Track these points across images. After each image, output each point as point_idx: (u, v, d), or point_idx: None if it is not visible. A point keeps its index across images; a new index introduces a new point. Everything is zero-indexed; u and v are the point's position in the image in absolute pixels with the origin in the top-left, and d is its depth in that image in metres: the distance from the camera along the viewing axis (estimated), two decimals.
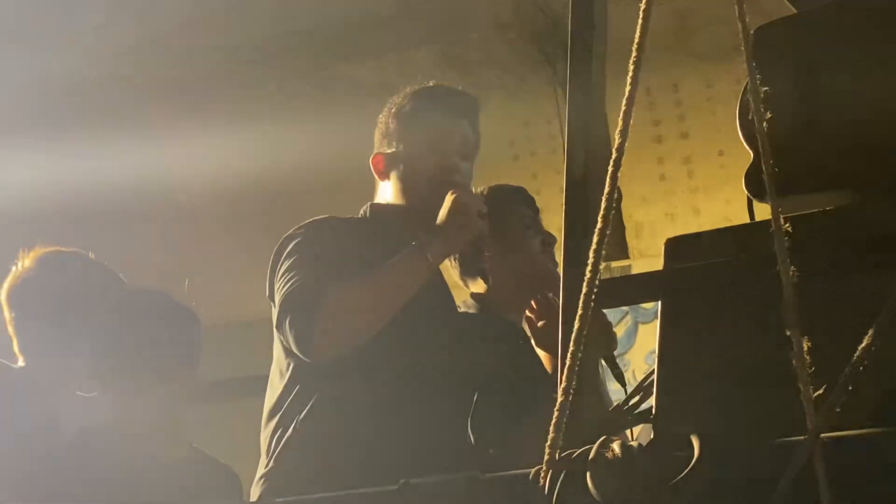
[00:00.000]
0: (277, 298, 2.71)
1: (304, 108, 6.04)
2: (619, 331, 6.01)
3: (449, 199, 2.84)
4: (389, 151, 2.96)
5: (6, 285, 3.01)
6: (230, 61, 5.83)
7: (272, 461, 2.74)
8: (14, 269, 3.02)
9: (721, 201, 5.81)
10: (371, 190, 3.01)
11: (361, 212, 3.00)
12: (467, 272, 3.20)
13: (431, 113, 2.95)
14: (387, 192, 2.97)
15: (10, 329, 2.99)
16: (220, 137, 5.72)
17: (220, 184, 5.79)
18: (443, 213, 2.85)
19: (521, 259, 3.11)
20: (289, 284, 2.70)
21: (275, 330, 2.73)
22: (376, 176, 2.98)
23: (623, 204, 6.08)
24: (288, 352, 2.78)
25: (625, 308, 5.81)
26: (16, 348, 2.98)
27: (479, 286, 3.51)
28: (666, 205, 6.04)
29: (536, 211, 3.31)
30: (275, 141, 5.74)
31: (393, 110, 2.99)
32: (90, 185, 5.75)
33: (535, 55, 5.83)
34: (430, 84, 3.04)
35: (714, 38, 5.48)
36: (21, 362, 2.97)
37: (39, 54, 5.51)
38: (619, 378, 2.79)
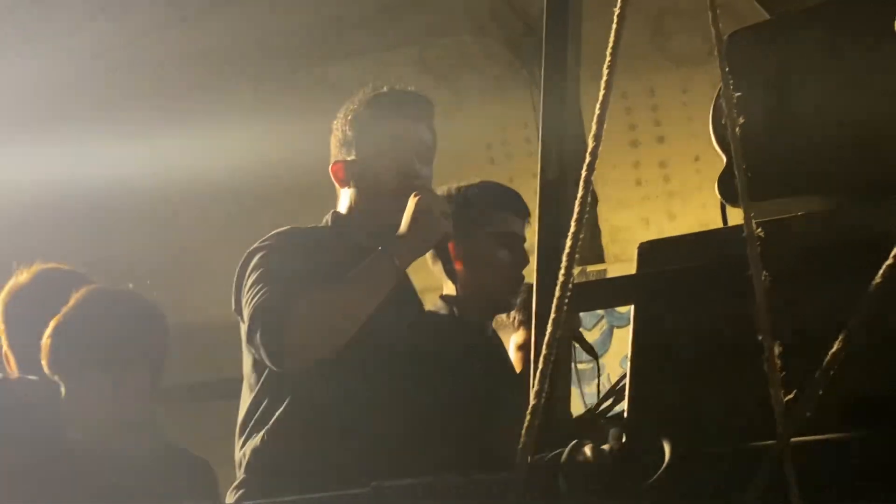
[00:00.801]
0: (246, 312, 2.70)
1: (281, 109, 6.02)
2: (595, 335, 6.01)
3: (412, 202, 2.84)
4: (349, 159, 2.95)
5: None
6: (207, 63, 5.81)
7: (244, 471, 2.74)
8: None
9: (696, 206, 5.82)
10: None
11: (324, 220, 3.00)
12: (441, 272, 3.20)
13: (388, 119, 2.94)
14: (348, 199, 2.97)
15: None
16: (196, 139, 5.70)
17: (198, 185, 5.77)
18: (406, 216, 2.85)
19: (484, 264, 3.10)
20: (257, 298, 2.69)
21: (245, 343, 2.73)
22: (336, 184, 2.97)
23: (599, 208, 6.09)
24: (256, 364, 2.77)
25: (600, 312, 5.81)
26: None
27: (449, 287, 3.50)
28: (642, 209, 6.05)
29: (525, 215, 3.29)
30: (251, 142, 5.73)
31: (349, 117, 2.98)
32: (69, 185, 5.74)
33: (511, 59, 5.84)
34: (384, 89, 3.04)
35: (690, 44, 5.50)
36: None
37: (18, 55, 5.49)
38: (590, 351, 2.80)
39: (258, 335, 2.65)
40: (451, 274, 3.11)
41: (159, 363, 2.96)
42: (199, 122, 5.70)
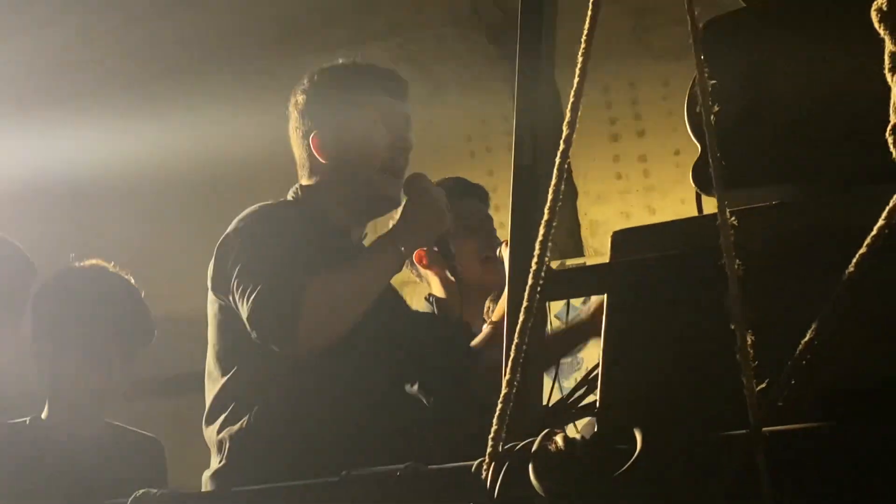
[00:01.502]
0: (250, 297, 2.63)
1: (262, 101, 6.01)
2: None
3: (420, 193, 2.83)
4: (329, 132, 2.90)
5: None
6: (185, 54, 5.78)
7: (225, 458, 2.71)
8: None
9: (676, 200, 5.82)
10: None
11: (292, 194, 2.94)
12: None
13: (374, 93, 2.90)
14: (320, 174, 2.91)
15: None
16: (173, 128, 5.67)
17: (175, 173, 5.75)
18: (414, 205, 2.83)
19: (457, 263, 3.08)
20: (261, 282, 2.64)
21: (249, 328, 2.66)
22: (317, 155, 2.90)
23: (578, 202, 6.09)
24: (233, 348, 2.74)
25: (578, 307, 5.80)
26: None
27: (436, 287, 3.51)
28: (622, 203, 6.04)
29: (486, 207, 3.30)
30: (228, 133, 5.70)
31: (329, 86, 2.92)
32: (45, 174, 5.71)
33: (491, 51, 5.82)
34: (366, 63, 2.99)
35: (671, 37, 5.49)
36: None
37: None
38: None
39: (268, 321, 2.61)
40: (452, 269, 3.06)
41: (132, 338, 2.93)
42: (178, 113, 5.68)
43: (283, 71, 5.98)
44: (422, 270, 3.57)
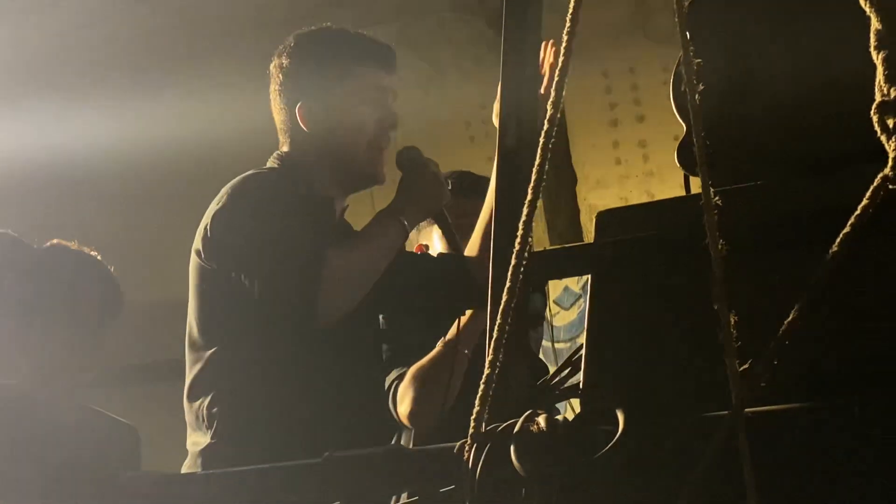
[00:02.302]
0: (264, 270, 2.64)
1: (262, 85, 5.99)
2: (573, 314, 5.99)
3: (416, 165, 2.82)
4: (321, 104, 2.87)
5: None
6: (184, 37, 5.77)
7: (214, 435, 2.70)
8: None
9: (676, 186, 5.76)
10: None
11: (276, 161, 2.90)
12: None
13: (364, 65, 2.88)
14: (305, 144, 2.88)
15: None
16: (171, 113, 5.66)
17: (172, 160, 5.73)
18: (411, 178, 2.83)
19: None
20: (277, 255, 2.64)
21: (264, 300, 2.65)
22: (302, 124, 2.87)
23: (578, 187, 6.08)
24: (220, 318, 2.72)
25: (577, 291, 5.80)
26: None
27: None
28: (621, 189, 6.03)
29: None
30: (225, 117, 5.68)
31: (316, 57, 2.88)
32: (42, 159, 5.70)
33: (491, 36, 5.81)
34: (356, 31, 2.96)
35: (671, 22, 5.45)
36: None
37: None
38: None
39: (288, 295, 2.61)
40: (452, 243, 3.04)
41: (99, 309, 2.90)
42: (180, 97, 5.66)
43: None
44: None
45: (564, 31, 1.69)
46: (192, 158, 5.60)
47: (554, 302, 5.76)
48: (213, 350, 2.72)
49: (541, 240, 5.47)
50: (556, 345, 4.99)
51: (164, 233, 5.19)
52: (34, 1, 5.45)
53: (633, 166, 6.01)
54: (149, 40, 5.76)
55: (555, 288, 5.76)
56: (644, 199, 5.98)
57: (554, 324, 5.38)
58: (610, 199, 6.03)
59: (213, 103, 5.63)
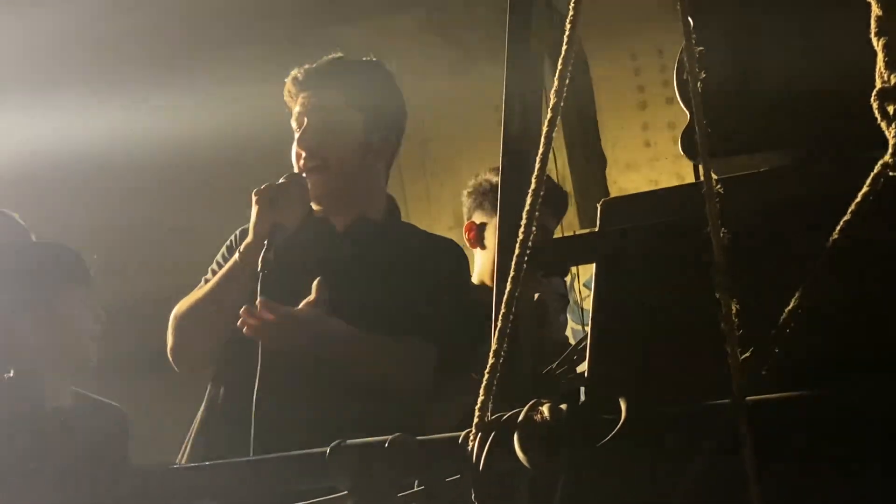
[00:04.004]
0: None
1: (285, 73, 6.01)
2: (586, 305, 5.98)
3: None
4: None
5: None
6: (212, 21, 5.78)
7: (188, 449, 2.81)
8: None
9: None
10: None
11: None
12: None
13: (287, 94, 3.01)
14: None
15: None
16: (198, 99, 5.67)
17: (198, 149, 5.75)
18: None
19: None
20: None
21: None
22: None
23: (607, 170, 6.06)
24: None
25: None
26: None
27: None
28: (650, 171, 6.00)
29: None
30: (256, 104, 5.70)
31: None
32: (59, 154, 5.73)
33: None
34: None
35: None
36: None
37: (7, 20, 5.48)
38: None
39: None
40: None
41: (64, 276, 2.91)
42: (199, 86, 5.68)
43: (310, 43, 5.98)
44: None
45: (567, 20, 1.69)
46: (200, 153, 5.63)
47: (584, 285, 5.74)
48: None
49: (571, 223, 5.46)
50: (587, 328, 4.98)
51: (173, 227, 5.22)
52: None
53: (663, 148, 5.99)
54: (156, 36, 5.78)
55: (585, 271, 5.75)
56: (674, 182, 5.96)
57: (584, 307, 5.36)
58: (640, 181, 6.01)
59: (223, 98, 5.65)
